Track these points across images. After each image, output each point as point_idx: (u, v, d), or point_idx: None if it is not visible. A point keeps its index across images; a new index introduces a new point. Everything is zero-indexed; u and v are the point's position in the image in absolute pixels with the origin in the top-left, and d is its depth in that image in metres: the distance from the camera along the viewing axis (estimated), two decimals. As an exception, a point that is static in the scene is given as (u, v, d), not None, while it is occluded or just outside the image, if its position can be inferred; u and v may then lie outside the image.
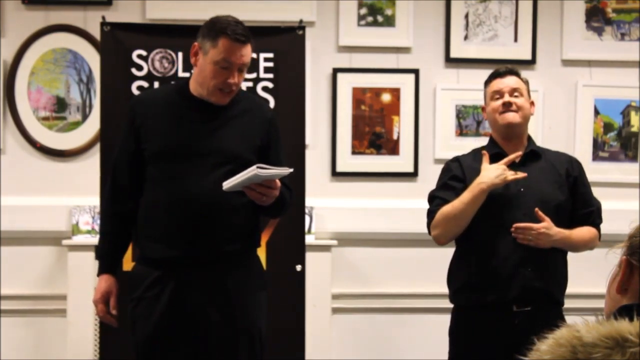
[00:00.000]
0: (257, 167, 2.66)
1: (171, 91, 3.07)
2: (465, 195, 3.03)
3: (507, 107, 3.11)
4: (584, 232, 3.11)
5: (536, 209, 2.99)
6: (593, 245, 3.14)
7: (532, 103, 3.21)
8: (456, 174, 3.15)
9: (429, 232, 3.15)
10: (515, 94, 3.13)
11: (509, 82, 3.15)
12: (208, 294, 2.89)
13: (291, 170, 2.77)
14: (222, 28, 2.88)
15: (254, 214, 2.97)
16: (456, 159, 3.22)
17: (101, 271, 3.03)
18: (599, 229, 3.15)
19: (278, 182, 2.81)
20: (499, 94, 3.14)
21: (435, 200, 3.14)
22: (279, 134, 3.07)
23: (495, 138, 3.20)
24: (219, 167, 2.86)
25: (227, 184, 2.73)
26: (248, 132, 2.96)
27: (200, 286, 2.88)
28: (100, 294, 3.00)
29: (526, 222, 3.02)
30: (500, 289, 3.02)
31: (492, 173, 3.01)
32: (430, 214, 3.13)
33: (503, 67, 3.23)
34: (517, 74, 3.19)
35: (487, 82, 3.22)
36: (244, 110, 2.99)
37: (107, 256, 3.05)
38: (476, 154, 3.20)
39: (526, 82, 3.21)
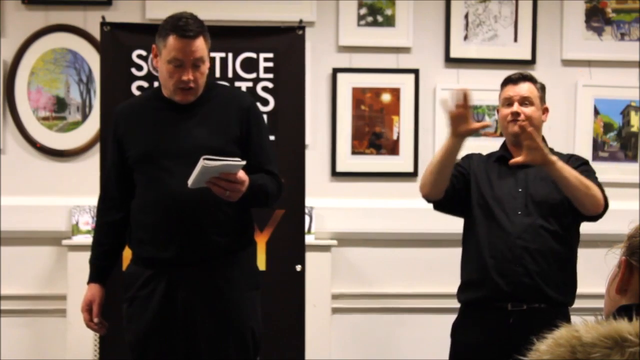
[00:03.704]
0: (204, 159, 2.64)
1: (148, 96, 3.11)
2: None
3: (514, 116, 3.13)
4: (582, 177, 3.03)
5: (530, 129, 2.96)
6: (594, 197, 3.00)
7: (545, 109, 3.23)
8: (461, 164, 3.21)
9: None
10: (526, 102, 3.15)
11: (521, 90, 3.17)
12: (199, 293, 2.90)
13: (244, 162, 2.72)
14: (170, 26, 2.86)
15: (243, 210, 2.96)
16: (469, 155, 3.28)
17: (89, 280, 3.08)
18: (601, 190, 3.08)
19: (243, 177, 2.77)
20: (509, 101, 3.17)
21: None
22: (259, 121, 3.04)
23: (506, 142, 3.24)
24: None
25: (189, 181, 2.72)
26: (225, 124, 2.95)
27: (191, 285, 2.89)
28: (84, 303, 3.05)
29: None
30: (492, 287, 3.08)
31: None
32: None
33: (517, 73, 3.24)
34: (532, 80, 3.20)
35: (502, 86, 3.25)
36: (220, 103, 2.99)
37: (94, 265, 3.08)
38: (489, 158, 3.27)
39: (541, 88, 3.21)
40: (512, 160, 3.01)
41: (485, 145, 3.55)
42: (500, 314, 3.06)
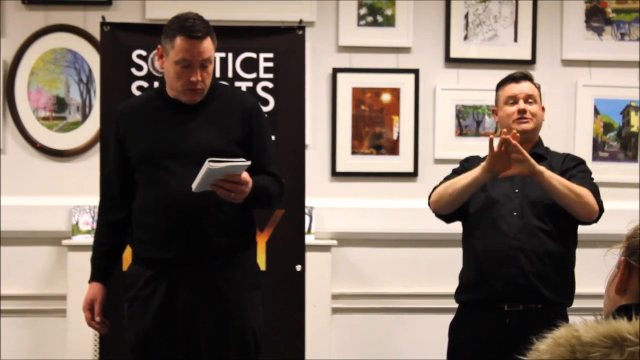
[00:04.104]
0: (209, 161, 2.63)
1: (151, 96, 3.11)
2: (470, 171, 3.08)
3: (521, 114, 3.13)
4: (568, 182, 3.03)
5: (508, 138, 2.95)
6: (587, 204, 3.00)
7: (542, 108, 3.24)
8: (466, 167, 3.20)
9: (429, 201, 3.20)
10: (530, 100, 3.16)
11: (524, 87, 3.17)
12: (200, 293, 2.90)
13: (248, 162, 2.72)
14: (177, 27, 2.86)
15: (244, 210, 2.96)
16: (467, 159, 3.28)
17: (90, 279, 3.08)
18: (594, 195, 3.06)
19: (247, 178, 2.77)
20: (514, 99, 3.16)
21: (442, 181, 3.21)
22: (262, 122, 3.04)
23: None
24: (202, 165, 2.80)
25: (193, 185, 2.71)
26: (228, 125, 2.95)
27: (193, 285, 2.89)
28: (86, 302, 3.04)
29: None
30: (487, 287, 3.09)
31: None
32: (435, 187, 3.20)
33: (519, 72, 3.25)
34: (531, 79, 3.21)
35: (501, 85, 3.23)
36: (223, 104, 2.98)
37: (95, 265, 3.08)
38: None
39: (538, 87, 3.23)
40: (502, 174, 3.01)
41: (485, 146, 3.54)
42: (496, 315, 3.07)
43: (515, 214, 3.11)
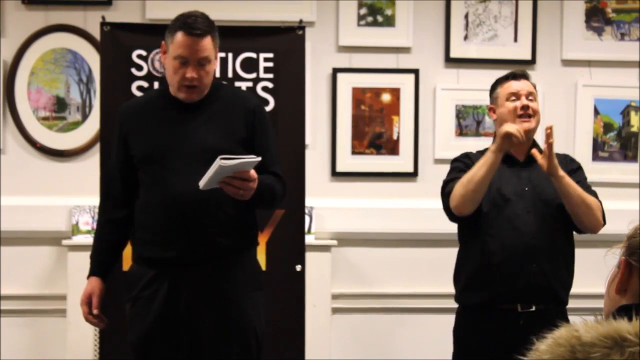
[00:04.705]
0: (221, 159, 2.63)
1: (154, 95, 3.12)
2: (479, 161, 3.05)
3: (524, 109, 3.13)
4: (583, 192, 3.05)
5: (552, 139, 2.98)
6: (594, 216, 3.04)
7: None
8: (468, 163, 3.17)
9: (449, 209, 3.12)
10: (530, 97, 3.16)
11: (524, 85, 3.18)
12: (202, 294, 2.90)
13: (259, 158, 2.72)
14: (179, 23, 2.89)
15: (246, 210, 2.96)
16: (466, 155, 3.26)
17: (89, 274, 3.07)
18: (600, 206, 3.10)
19: (254, 175, 2.77)
20: (516, 95, 3.16)
21: (449, 184, 3.14)
22: (265, 123, 3.04)
23: None
24: (204, 165, 2.77)
25: (201, 183, 2.71)
26: (231, 125, 2.95)
27: (195, 286, 2.89)
28: (84, 296, 3.04)
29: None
30: (504, 287, 3.03)
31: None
32: (447, 189, 3.13)
33: (518, 70, 3.25)
34: (529, 78, 3.22)
35: (500, 83, 3.22)
36: (226, 104, 2.99)
37: (95, 260, 3.08)
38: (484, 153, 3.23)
39: (534, 86, 3.24)
40: (534, 151, 3.02)
41: (485, 145, 3.54)
42: (509, 316, 3.03)
43: (529, 212, 3.08)
